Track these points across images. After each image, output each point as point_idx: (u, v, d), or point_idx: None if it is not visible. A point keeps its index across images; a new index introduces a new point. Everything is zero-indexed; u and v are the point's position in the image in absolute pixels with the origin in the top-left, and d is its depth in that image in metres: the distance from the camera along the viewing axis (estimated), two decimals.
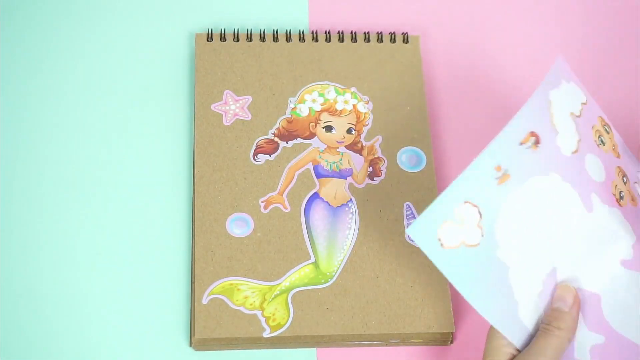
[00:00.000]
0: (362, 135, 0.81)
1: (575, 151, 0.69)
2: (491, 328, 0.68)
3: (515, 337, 0.67)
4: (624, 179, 0.72)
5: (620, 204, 0.70)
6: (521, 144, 0.66)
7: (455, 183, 0.63)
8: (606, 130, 0.73)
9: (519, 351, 0.67)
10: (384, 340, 0.74)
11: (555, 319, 0.67)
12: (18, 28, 0.85)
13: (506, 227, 0.66)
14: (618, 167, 0.72)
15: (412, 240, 0.77)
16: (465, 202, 0.64)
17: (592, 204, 0.69)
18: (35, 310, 0.74)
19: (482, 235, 0.65)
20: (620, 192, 0.71)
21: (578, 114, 0.70)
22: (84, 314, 0.74)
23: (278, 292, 0.74)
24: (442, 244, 0.63)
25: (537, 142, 0.66)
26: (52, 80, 0.83)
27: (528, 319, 0.67)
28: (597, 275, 0.69)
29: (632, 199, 0.72)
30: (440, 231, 0.63)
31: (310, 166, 0.79)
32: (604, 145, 0.71)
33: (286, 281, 0.74)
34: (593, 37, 0.91)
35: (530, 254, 0.67)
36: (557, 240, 0.68)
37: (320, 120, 0.81)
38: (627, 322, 0.68)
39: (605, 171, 0.71)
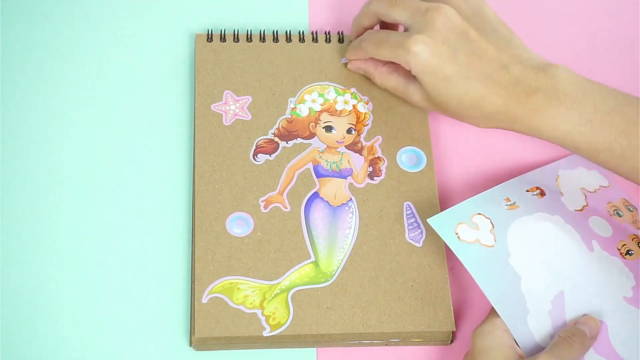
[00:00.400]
0: (362, 135, 0.81)
1: (580, 210, 0.76)
2: (481, 326, 0.71)
3: (522, 339, 0.70)
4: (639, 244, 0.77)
5: (624, 257, 0.75)
6: (527, 191, 0.76)
7: (469, 199, 0.74)
8: (629, 209, 0.79)
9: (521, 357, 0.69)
10: (384, 339, 0.74)
11: (577, 336, 0.70)
12: (18, 28, 0.85)
13: (517, 241, 0.72)
14: (635, 234, 0.77)
15: (412, 240, 0.77)
16: (479, 213, 0.73)
17: (592, 247, 0.74)
18: (35, 310, 0.74)
19: (495, 241, 0.72)
20: (628, 250, 0.75)
21: (592, 190, 0.78)
22: (84, 314, 0.74)
23: (278, 291, 0.73)
24: (459, 237, 0.72)
25: (541, 194, 0.76)
26: (52, 80, 0.83)
27: (536, 330, 0.70)
28: (602, 304, 0.72)
29: None
30: (458, 227, 0.72)
31: (310, 166, 0.79)
32: (619, 217, 0.77)
33: (286, 280, 0.74)
34: (593, 37, 0.91)
35: (539, 273, 0.72)
36: (563, 266, 0.72)
37: (320, 120, 0.81)
38: (631, 349, 0.72)
39: (613, 231, 0.76)
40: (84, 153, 0.80)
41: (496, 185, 0.77)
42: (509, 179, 0.79)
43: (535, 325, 0.70)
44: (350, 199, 0.78)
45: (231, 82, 0.82)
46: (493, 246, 0.72)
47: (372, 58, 0.81)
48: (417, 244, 0.76)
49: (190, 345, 0.73)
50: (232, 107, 0.81)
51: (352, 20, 0.83)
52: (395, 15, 0.78)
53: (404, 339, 0.74)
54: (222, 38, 0.84)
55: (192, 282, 0.74)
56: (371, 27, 0.82)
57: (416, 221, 0.77)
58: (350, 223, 0.77)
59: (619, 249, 0.75)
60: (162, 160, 0.80)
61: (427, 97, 0.77)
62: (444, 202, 0.80)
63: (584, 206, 0.77)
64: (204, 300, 0.72)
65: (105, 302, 0.74)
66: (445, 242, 0.72)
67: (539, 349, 0.70)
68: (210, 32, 0.84)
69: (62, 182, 0.79)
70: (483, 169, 0.82)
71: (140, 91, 0.83)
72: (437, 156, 0.82)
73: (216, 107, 0.81)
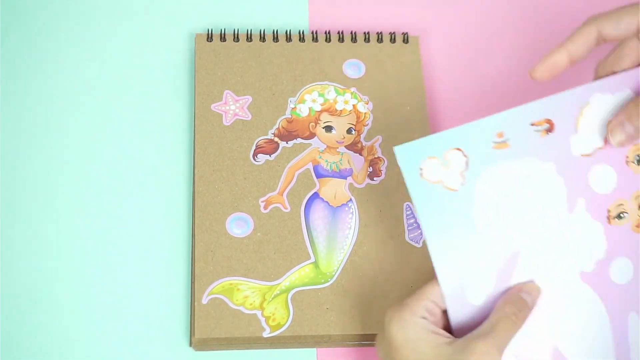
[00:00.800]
0: (362, 135, 0.81)
1: (588, 155, 0.68)
2: (398, 313, 0.66)
3: (453, 294, 0.66)
4: None
5: (610, 221, 0.69)
6: (532, 124, 0.67)
7: (453, 129, 0.65)
8: None
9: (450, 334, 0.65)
10: None
11: (521, 311, 0.65)
12: (18, 28, 0.85)
13: (486, 190, 0.66)
14: None
15: (412, 240, 0.77)
16: (457, 148, 0.65)
17: (574, 206, 0.68)
18: (34, 310, 0.74)
19: (462, 185, 0.65)
20: (622, 212, 0.69)
21: None
22: (84, 314, 0.74)
23: (278, 292, 0.74)
24: (422, 173, 0.64)
25: (548, 130, 0.67)
26: (52, 81, 0.83)
27: (475, 292, 0.66)
28: (553, 274, 0.68)
29: (638, 225, 0.70)
30: (425, 162, 0.64)
31: (310, 166, 0.79)
32: (638, 164, 0.70)
33: (286, 281, 0.74)
34: None
35: (500, 227, 0.66)
36: (529, 227, 0.67)
37: (320, 120, 0.81)
38: (567, 332, 0.68)
39: (616, 187, 0.69)
40: (84, 153, 0.80)
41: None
42: None
43: (475, 286, 0.66)
44: (350, 200, 0.78)
45: (231, 82, 0.82)
46: (457, 190, 0.65)
47: None
48: (417, 245, 0.76)
49: (190, 345, 0.73)
50: (232, 107, 0.81)
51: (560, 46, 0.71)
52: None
53: None
54: (222, 38, 0.84)
55: (192, 282, 0.74)
56: (589, 48, 0.71)
57: (416, 222, 0.77)
58: (350, 223, 0.77)
59: (609, 210, 0.68)
60: (162, 161, 0.80)
61: None
62: None
63: (596, 149, 0.68)
64: (204, 301, 0.72)
65: (105, 303, 0.74)
66: (403, 177, 0.64)
67: (469, 307, 0.66)
68: (210, 32, 0.84)
69: (62, 183, 0.79)
70: None
71: (140, 91, 0.83)
72: None
73: (216, 107, 0.81)
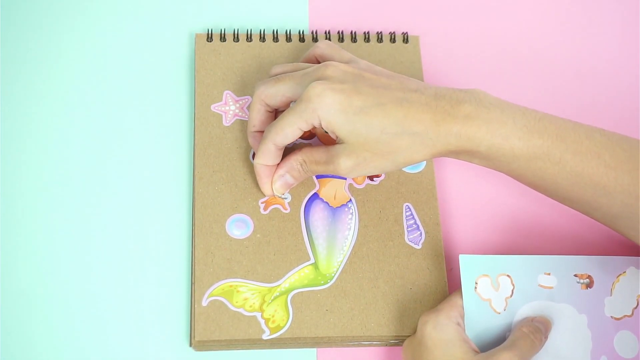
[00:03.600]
0: None
1: (617, 319, 0.73)
2: (436, 317, 0.70)
3: None
4: None
5: None
6: (576, 275, 0.74)
7: (509, 256, 0.73)
8: None
9: None
10: (384, 341, 0.74)
11: (537, 332, 0.70)
12: (18, 28, 0.85)
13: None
14: None
15: (411, 242, 0.77)
16: (508, 275, 0.72)
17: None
18: (35, 311, 0.74)
19: (505, 310, 0.72)
20: None
21: None
22: (85, 315, 0.74)
23: (278, 294, 0.74)
24: (476, 287, 0.71)
25: (588, 285, 0.74)
26: (52, 81, 0.83)
27: None
28: None
29: None
30: (480, 278, 0.72)
31: None
32: None
33: (286, 282, 0.74)
34: (594, 37, 0.91)
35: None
36: None
37: None
38: None
39: (637, 355, 0.73)
40: (83, 154, 0.80)
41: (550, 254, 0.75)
42: (510, 182, 0.77)
43: None
44: (350, 200, 0.78)
45: (231, 82, 0.82)
46: (500, 313, 0.72)
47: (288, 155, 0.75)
48: (416, 246, 0.77)
49: (191, 347, 0.73)
50: (232, 108, 0.81)
51: (247, 128, 0.76)
52: (284, 90, 0.72)
53: (403, 342, 0.74)
54: (222, 38, 0.84)
55: (192, 284, 0.74)
56: (264, 122, 0.75)
57: (415, 223, 0.77)
58: (349, 224, 0.77)
59: None
60: (162, 162, 0.80)
61: (350, 150, 0.70)
62: (443, 204, 0.80)
63: (624, 315, 0.74)
64: (204, 303, 0.73)
65: (105, 304, 0.74)
66: (462, 284, 0.71)
67: None
68: (210, 32, 0.84)
69: (62, 183, 0.79)
70: (483, 171, 0.82)
71: (140, 91, 0.83)
72: (437, 157, 0.82)
73: (216, 108, 0.81)
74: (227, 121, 0.80)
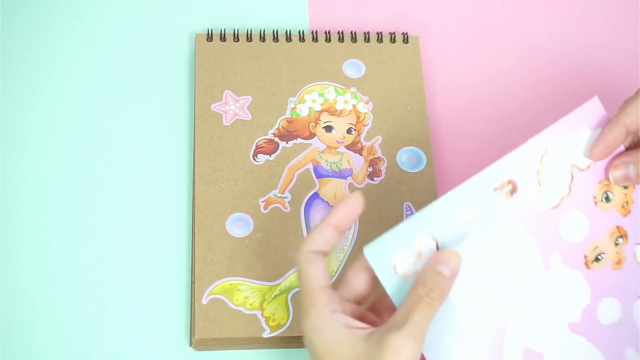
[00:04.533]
0: (362, 135, 0.81)
1: (555, 206, 0.66)
2: (310, 319, 0.61)
3: None
4: (619, 239, 0.68)
5: (588, 267, 0.67)
6: (496, 189, 0.64)
7: (420, 213, 0.62)
8: (623, 186, 0.69)
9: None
10: None
11: (434, 286, 0.60)
12: (18, 28, 0.85)
13: (461, 270, 0.63)
14: (617, 227, 0.68)
15: None
16: (426, 234, 0.62)
17: (550, 262, 0.66)
18: (35, 311, 0.74)
19: None
20: (599, 254, 0.68)
21: (584, 167, 0.68)
22: (85, 314, 0.74)
23: (278, 292, 0.74)
24: (396, 271, 0.61)
25: (512, 191, 0.65)
26: (52, 81, 0.83)
27: None
28: (543, 334, 0.66)
29: (618, 262, 0.68)
30: (396, 257, 0.61)
31: (310, 166, 0.79)
32: (607, 202, 0.68)
33: (286, 281, 0.74)
34: (594, 37, 0.91)
35: (481, 304, 0.64)
36: (510, 296, 0.65)
37: (320, 120, 0.81)
38: None
39: (589, 231, 0.67)
40: (83, 153, 0.80)
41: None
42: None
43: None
44: None
45: (231, 82, 0.82)
46: None
47: None
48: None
49: (190, 345, 0.73)
50: (232, 107, 0.81)
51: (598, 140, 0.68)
52: None
53: None
54: (222, 38, 0.84)
55: (192, 282, 0.74)
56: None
57: None
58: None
59: (586, 256, 0.67)
60: (162, 161, 0.80)
61: None
62: None
63: (562, 197, 0.66)
64: (204, 301, 0.73)
65: (105, 303, 0.74)
66: (379, 278, 0.61)
67: None
68: (210, 32, 0.84)
69: (62, 183, 0.79)
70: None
71: (140, 91, 0.83)
72: (437, 156, 0.82)
73: (216, 107, 0.81)
74: (227, 121, 0.80)
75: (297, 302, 0.73)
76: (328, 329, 0.60)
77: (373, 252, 0.61)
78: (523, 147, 0.65)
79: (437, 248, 0.62)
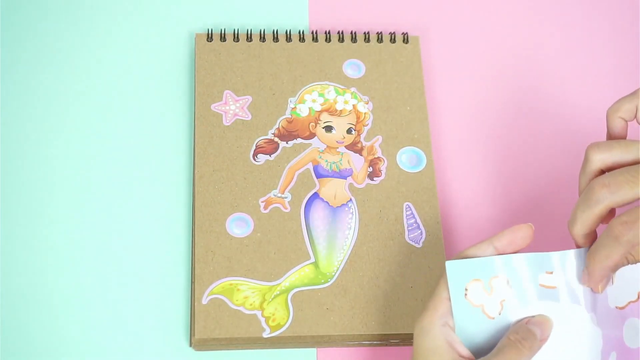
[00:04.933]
0: (362, 135, 0.81)
1: (622, 308, 0.67)
2: (420, 321, 0.64)
3: None
4: None
5: None
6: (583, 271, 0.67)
7: (504, 256, 0.65)
8: None
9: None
10: (384, 340, 0.74)
11: (527, 339, 0.64)
12: (18, 28, 0.85)
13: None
14: None
15: (412, 241, 0.77)
16: (505, 277, 0.65)
17: None
18: (35, 310, 0.74)
19: (499, 314, 0.65)
20: None
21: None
22: (84, 314, 0.74)
23: (278, 292, 0.74)
24: (466, 294, 0.65)
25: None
26: (52, 81, 0.83)
27: None
28: None
29: None
30: (471, 284, 0.65)
31: (310, 166, 0.79)
32: None
33: (286, 281, 0.74)
34: (593, 37, 0.91)
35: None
36: None
37: (320, 120, 0.81)
38: None
39: None
40: (83, 153, 0.80)
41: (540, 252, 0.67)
42: (512, 180, 0.77)
43: None
44: (350, 200, 0.78)
45: (231, 82, 0.82)
46: (494, 318, 0.65)
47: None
48: (417, 245, 0.76)
49: (190, 345, 0.73)
50: (232, 107, 0.81)
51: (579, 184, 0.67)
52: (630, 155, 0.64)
53: (404, 340, 0.74)
54: (222, 38, 0.84)
55: (192, 282, 0.74)
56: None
57: (416, 222, 0.77)
58: (350, 224, 0.77)
59: None
60: (162, 161, 0.80)
61: None
62: (443, 203, 0.80)
63: (629, 302, 0.67)
64: (204, 301, 0.72)
65: (105, 303, 0.74)
66: (450, 292, 0.65)
67: None
68: (210, 32, 0.84)
69: (62, 183, 0.79)
70: (484, 170, 0.83)
71: (140, 91, 0.83)
72: (437, 156, 0.82)
73: (216, 107, 0.81)
74: (227, 121, 0.80)
75: (298, 302, 0.73)
76: (434, 337, 0.63)
77: (454, 268, 0.65)
78: None
79: (508, 295, 0.65)
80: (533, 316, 0.65)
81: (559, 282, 0.66)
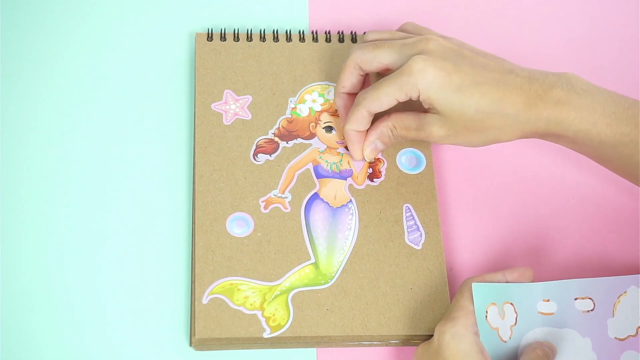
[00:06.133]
0: None
1: (621, 339, 0.73)
2: (453, 327, 0.70)
3: None
4: None
5: None
6: (576, 299, 0.73)
7: (513, 284, 0.73)
8: None
9: None
10: (384, 341, 0.74)
11: (545, 356, 0.71)
12: (18, 28, 0.85)
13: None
14: None
15: (411, 242, 0.77)
16: (512, 303, 0.72)
17: None
18: (35, 310, 0.74)
19: (510, 339, 0.72)
20: None
21: None
22: (84, 314, 0.74)
23: (278, 293, 0.74)
24: (486, 315, 0.71)
25: (590, 309, 0.73)
26: (52, 80, 0.83)
27: None
28: None
29: None
30: (490, 307, 0.71)
31: (310, 166, 0.79)
32: None
33: (286, 281, 0.74)
34: (593, 37, 0.91)
35: None
36: None
37: (320, 120, 0.81)
38: None
39: None
40: (83, 153, 0.80)
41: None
42: (510, 184, 0.79)
43: None
44: (350, 200, 0.78)
45: (231, 82, 0.82)
46: (506, 342, 0.71)
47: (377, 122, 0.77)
48: (416, 247, 0.77)
49: (191, 345, 0.73)
50: (232, 107, 0.81)
51: (335, 88, 0.80)
52: (382, 57, 0.75)
53: (403, 341, 0.74)
54: (223, 37, 0.84)
55: (193, 282, 0.74)
56: (355, 89, 0.78)
57: (415, 223, 0.77)
58: (350, 224, 0.77)
59: None
60: (162, 160, 0.80)
61: (444, 121, 0.73)
62: (443, 205, 0.80)
63: (629, 336, 0.73)
64: (204, 301, 0.72)
65: (105, 302, 0.74)
66: (475, 312, 0.71)
67: None
68: (210, 32, 0.84)
69: (62, 183, 0.78)
70: (484, 172, 0.83)
71: (140, 91, 0.83)
72: (437, 158, 0.82)
73: (216, 107, 0.81)
74: (228, 120, 0.80)
75: (298, 302, 0.73)
76: (470, 342, 0.69)
77: (479, 290, 0.71)
78: (609, 279, 0.74)
79: (516, 322, 0.72)
80: (541, 342, 0.72)
81: (555, 309, 0.72)
